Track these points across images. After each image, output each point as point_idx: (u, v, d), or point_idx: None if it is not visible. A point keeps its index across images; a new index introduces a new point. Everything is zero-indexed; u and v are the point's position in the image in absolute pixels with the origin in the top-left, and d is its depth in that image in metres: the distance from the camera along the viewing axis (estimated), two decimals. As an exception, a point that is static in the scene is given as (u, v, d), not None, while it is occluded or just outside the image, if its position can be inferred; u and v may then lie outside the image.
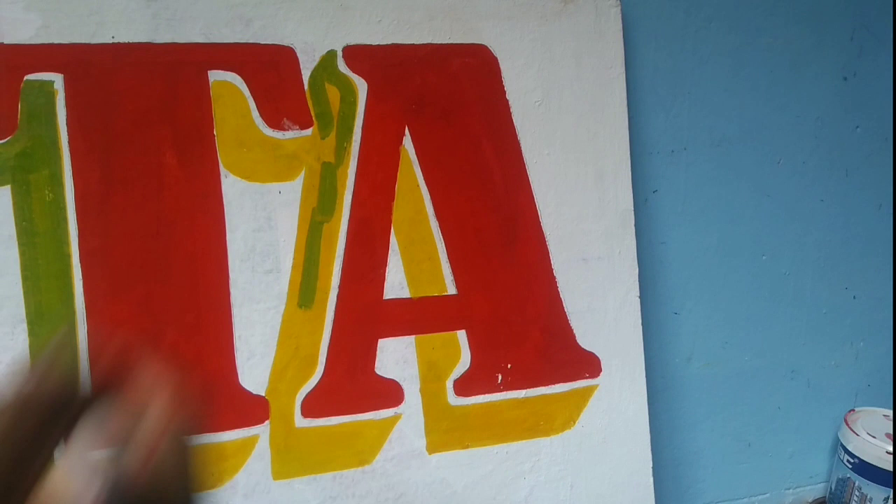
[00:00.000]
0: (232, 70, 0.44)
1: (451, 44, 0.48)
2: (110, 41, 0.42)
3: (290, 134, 0.45)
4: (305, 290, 0.46)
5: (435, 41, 0.48)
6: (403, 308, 0.48)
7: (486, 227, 0.49)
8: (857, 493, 0.61)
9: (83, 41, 0.41)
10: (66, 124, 0.41)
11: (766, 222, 0.61)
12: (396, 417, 0.48)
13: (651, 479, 0.54)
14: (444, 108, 0.48)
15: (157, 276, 0.43)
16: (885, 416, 0.64)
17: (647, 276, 0.56)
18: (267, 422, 0.45)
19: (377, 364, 0.47)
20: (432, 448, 0.49)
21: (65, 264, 0.42)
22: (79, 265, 0.42)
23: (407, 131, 0.47)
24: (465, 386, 0.49)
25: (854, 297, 0.65)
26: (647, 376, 0.54)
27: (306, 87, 0.45)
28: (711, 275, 0.60)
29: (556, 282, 0.51)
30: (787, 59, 0.59)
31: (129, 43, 0.42)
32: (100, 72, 0.42)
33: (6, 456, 0.14)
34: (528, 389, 0.51)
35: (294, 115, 0.45)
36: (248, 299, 0.45)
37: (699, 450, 0.63)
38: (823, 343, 0.65)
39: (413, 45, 0.47)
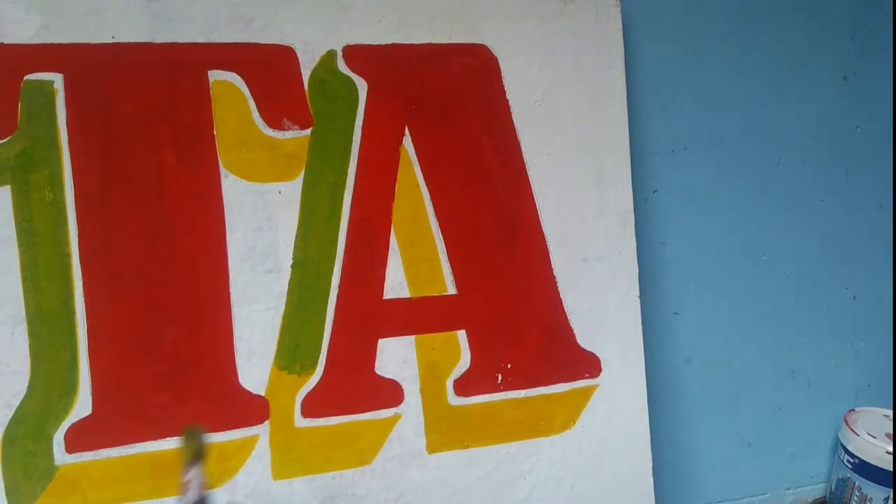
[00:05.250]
0: (232, 70, 0.44)
1: (451, 44, 0.48)
2: (110, 41, 0.42)
3: (290, 134, 0.45)
4: (305, 291, 0.46)
5: (435, 41, 0.48)
6: (403, 308, 0.48)
7: (486, 227, 0.49)
8: (857, 493, 0.61)
9: (83, 41, 0.41)
10: (66, 124, 0.41)
11: (766, 222, 0.61)
12: (396, 417, 0.48)
13: (651, 479, 0.54)
14: (444, 108, 0.48)
15: (157, 276, 0.43)
16: (885, 416, 0.64)
17: (647, 276, 0.55)
18: (267, 422, 0.45)
19: (377, 364, 0.47)
20: (432, 448, 0.48)
21: (65, 264, 0.42)
22: (79, 265, 0.42)
23: (407, 131, 0.47)
24: (465, 386, 0.49)
25: (854, 297, 0.65)
26: (647, 376, 0.54)
27: (306, 86, 0.45)
28: (711, 275, 0.60)
29: (556, 282, 0.51)
30: (788, 59, 0.59)
31: (129, 43, 0.42)
32: (100, 72, 0.42)
33: None
34: (528, 389, 0.51)
35: (294, 115, 0.45)
36: (248, 299, 0.45)
37: (699, 450, 0.63)
38: (823, 343, 0.65)
39: (413, 45, 0.47)
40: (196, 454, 0.35)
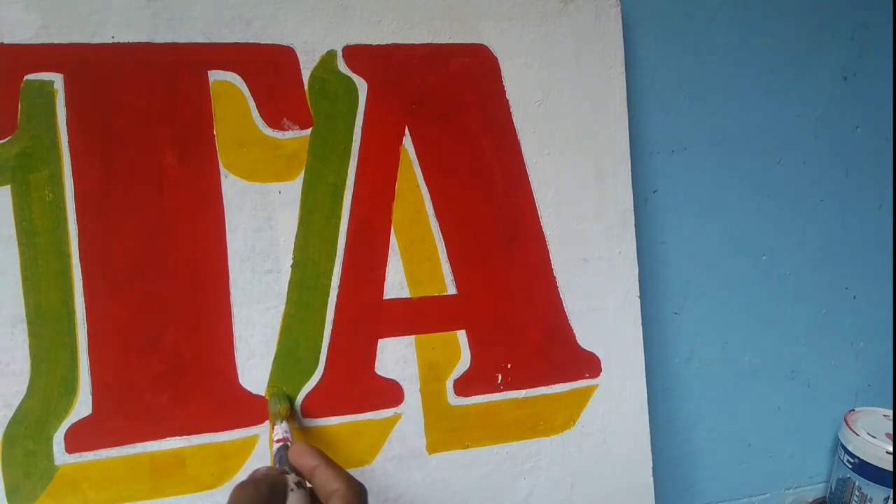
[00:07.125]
0: (232, 70, 0.44)
1: (451, 44, 0.48)
2: (110, 41, 0.42)
3: (290, 134, 0.45)
4: (305, 291, 0.46)
5: (435, 41, 0.48)
6: (403, 308, 0.48)
7: (486, 227, 0.49)
8: (857, 493, 0.61)
9: (83, 41, 0.41)
10: (66, 124, 0.41)
11: (766, 222, 0.61)
12: (396, 417, 0.48)
13: (651, 479, 0.54)
14: (444, 108, 0.48)
15: (157, 276, 0.43)
16: (885, 416, 0.65)
17: (647, 276, 0.56)
18: (267, 422, 0.45)
19: (377, 364, 0.47)
20: (432, 448, 0.49)
21: (65, 264, 0.42)
22: (79, 265, 0.42)
23: (407, 131, 0.47)
24: (465, 386, 0.49)
25: (854, 297, 0.65)
26: (647, 376, 0.54)
27: (306, 87, 0.45)
28: (711, 275, 0.60)
29: (556, 282, 0.51)
30: (787, 59, 0.59)
31: (129, 43, 0.42)
32: (100, 72, 0.42)
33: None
34: (528, 389, 0.51)
35: (294, 115, 0.45)
36: (248, 299, 0.45)
37: (699, 450, 0.63)
38: (823, 343, 0.65)
39: (413, 45, 0.47)
40: (279, 414, 0.42)
